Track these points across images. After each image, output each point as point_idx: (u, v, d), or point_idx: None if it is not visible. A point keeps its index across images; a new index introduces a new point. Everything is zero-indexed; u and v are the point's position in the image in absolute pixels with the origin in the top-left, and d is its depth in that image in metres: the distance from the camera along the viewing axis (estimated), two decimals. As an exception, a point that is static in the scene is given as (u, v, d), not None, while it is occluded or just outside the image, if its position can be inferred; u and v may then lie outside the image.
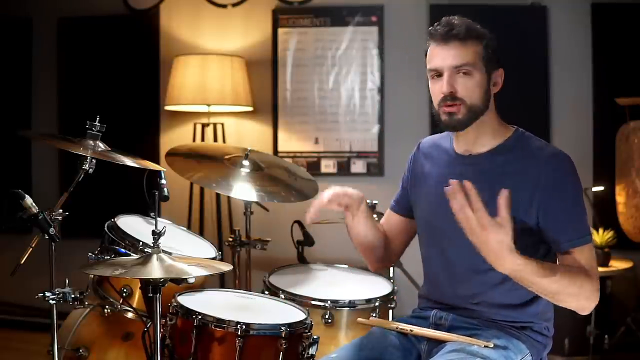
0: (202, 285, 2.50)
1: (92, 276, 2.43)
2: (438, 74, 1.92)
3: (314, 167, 4.47)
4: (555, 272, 1.76)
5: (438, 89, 1.92)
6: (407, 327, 1.98)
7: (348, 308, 2.45)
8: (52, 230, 2.11)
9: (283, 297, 2.43)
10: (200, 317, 2.02)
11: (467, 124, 1.92)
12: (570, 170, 1.89)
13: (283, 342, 2.00)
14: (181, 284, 1.95)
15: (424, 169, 2.11)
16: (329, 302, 2.43)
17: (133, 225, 2.51)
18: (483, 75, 1.91)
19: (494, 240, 1.63)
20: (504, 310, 1.93)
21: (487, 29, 1.95)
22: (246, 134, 4.57)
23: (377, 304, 2.47)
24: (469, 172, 1.94)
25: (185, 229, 2.87)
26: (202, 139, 4.42)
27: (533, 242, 1.90)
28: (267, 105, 4.55)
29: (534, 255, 1.90)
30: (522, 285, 1.76)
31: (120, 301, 2.38)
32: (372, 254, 2.21)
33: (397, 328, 1.99)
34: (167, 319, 2.08)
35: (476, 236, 1.64)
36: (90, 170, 2.20)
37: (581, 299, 1.81)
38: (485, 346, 1.83)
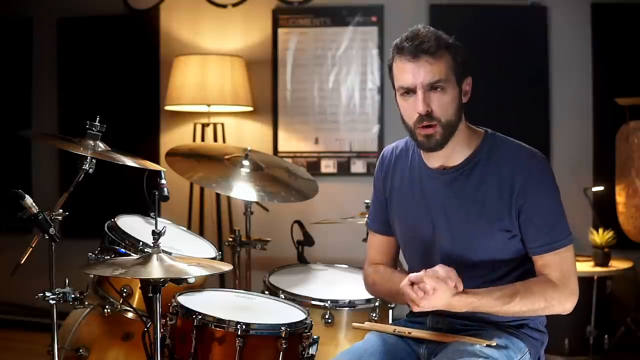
0: (202, 285, 2.50)
1: (92, 276, 2.43)
2: (409, 91, 1.83)
3: (314, 167, 4.47)
4: (514, 296, 1.80)
5: (411, 108, 1.84)
6: (406, 330, 1.96)
7: (348, 308, 2.46)
8: (52, 230, 2.11)
9: (283, 297, 2.43)
10: (200, 317, 2.02)
11: (445, 143, 1.86)
12: (545, 173, 1.86)
13: (283, 342, 2.00)
14: (181, 284, 1.95)
15: (396, 179, 2.04)
16: (329, 302, 2.43)
17: (133, 225, 2.51)
18: (455, 89, 1.85)
19: (436, 302, 1.75)
20: None
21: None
22: (246, 134, 4.57)
23: (376, 304, 2.47)
24: (445, 187, 1.92)
25: (185, 229, 2.88)
26: (202, 139, 4.42)
27: (518, 248, 1.90)
28: (267, 105, 4.55)
29: (519, 256, 1.90)
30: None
31: (120, 301, 2.38)
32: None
33: (394, 331, 1.97)
34: (167, 319, 2.08)
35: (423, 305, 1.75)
36: (90, 170, 2.20)
37: (553, 309, 1.84)
38: (487, 345, 1.82)
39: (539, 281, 1.85)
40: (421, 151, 1.97)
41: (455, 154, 1.91)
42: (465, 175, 1.90)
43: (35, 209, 2.10)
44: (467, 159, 1.91)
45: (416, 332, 1.95)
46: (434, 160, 1.94)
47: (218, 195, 4.43)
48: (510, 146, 1.91)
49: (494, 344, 1.83)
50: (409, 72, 1.82)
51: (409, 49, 1.80)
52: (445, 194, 1.92)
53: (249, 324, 2.01)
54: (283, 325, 2.03)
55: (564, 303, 1.84)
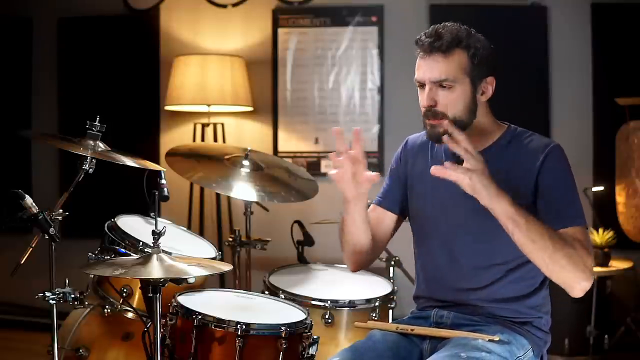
0: (202, 285, 2.50)
1: (92, 276, 2.43)
2: (421, 85, 1.93)
3: (314, 167, 4.47)
4: (549, 229, 1.76)
5: (422, 101, 1.94)
6: (408, 327, 1.97)
7: (348, 308, 2.45)
8: (52, 230, 2.11)
9: (283, 297, 2.43)
10: (200, 317, 2.02)
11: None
12: (562, 157, 1.92)
13: (283, 342, 2.00)
14: (181, 284, 1.95)
15: (418, 168, 2.09)
16: (329, 302, 2.43)
17: (133, 225, 2.51)
18: (466, 87, 1.90)
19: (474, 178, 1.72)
20: (505, 304, 1.94)
21: (485, 32, 1.95)
22: (246, 134, 4.57)
23: (377, 304, 2.47)
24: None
25: (185, 229, 2.87)
26: (202, 139, 4.42)
27: None
28: (267, 105, 4.55)
29: None
30: (515, 241, 1.76)
31: (120, 301, 2.38)
32: (360, 255, 2.12)
33: (397, 329, 1.99)
34: (167, 319, 2.08)
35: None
36: (90, 170, 2.20)
37: (578, 265, 1.75)
38: (490, 340, 1.83)
39: (569, 235, 1.81)
40: None
41: (478, 142, 1.95)
42: (486, 159, 1.92)
43: (35, 209, 2.10)
44: (489, 145, 1.97)
45: (419, 330, 1.96)
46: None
47: (218, 195, 4.44)
48: (530, 135, 1.98)
49: (497, 338, 1.84)
50: (421, 68, 1.92)
51: (424, 45, 1.90)
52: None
53: (249, 324, 2.00)
54: (283, 325, 2.03)
55: (586, 270, 1.76)
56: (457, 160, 1.97)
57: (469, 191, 1.74)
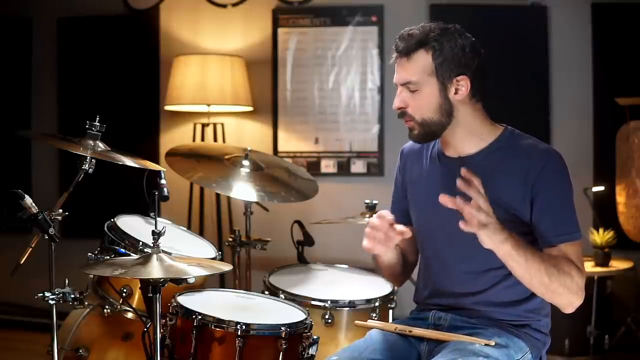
0: (202, 285, 2.50)
1: (92, 276, 2.43)
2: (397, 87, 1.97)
3: (314, 167, 4.47)
4: (545, 261, 1.79)
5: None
6: (407, 328, 1.97)
7: (348, 308, 2.45)
8: (52, 230, 2.11)
9: (283, 297, 2.43)
10: (200, 317, 2.02)
11: (426, 138, 1.95)
12: (561, 166, 1.90)
13: (283, 342, 2.00)
14: (181, 284, 1.95)
15: (413, 174, 2.10)
16: (329, 302, 2.43)
17: (133, 225, 2.51)
18: (434, 88, 1.89)
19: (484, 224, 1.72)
20: (503, 308, 1.94)
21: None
22: (246, 134, 4.57)
23: (377, 304, 2.47)
24: (458, 174, 1.93)
25: (185, 229, 2.87)
26: (202, 139, 4.42)
27: (528, 240, 1.90)
28: (267, 105, 4.55)
29: None
30: (514, 274, 1.80)
31: (120, 301, 2.38)
32: (399, 275, 2.18)
33: (396, 329, 1.99)
34: (167, 319, 2.08)
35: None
36: (90, 170, 2.20)
37: (572, 290, 1.80)
38: (486, 344, 1.83)
39: (566, 261, 1.82)
40: (439, 140, 2.03)
41: (470, 144, 1.96)
42: (479, 164, 1.93)
43: (35, 209, 2.10)
44: (483, 148, 1.95)
45: (417, 331, 1.96)
46: (449, 147, 2.00)
47: (218, 195, 4.43)
48: (528, 139, 1.96)
49: (493, 343, 1.83)
50: (395, 71, 1.96)
51: (394, 49, 1.94)
52: (456, 180, 1.93)
53: (249, 324, 2.00)
54: (283, 325, 2.03)
55: (579, 292, 1.81)
56: (452, 160, 1.98)
57: (475, 232, 1.72)
